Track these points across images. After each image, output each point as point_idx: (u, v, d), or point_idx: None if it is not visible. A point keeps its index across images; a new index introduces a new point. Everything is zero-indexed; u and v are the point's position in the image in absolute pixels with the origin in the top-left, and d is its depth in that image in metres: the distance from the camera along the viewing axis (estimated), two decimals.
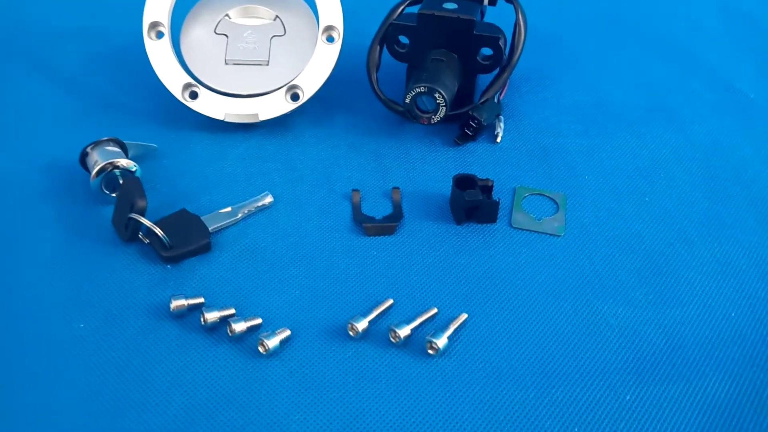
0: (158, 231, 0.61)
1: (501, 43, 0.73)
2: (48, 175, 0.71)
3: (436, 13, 0.72)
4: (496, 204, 0.65)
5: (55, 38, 0.92)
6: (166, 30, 0.75)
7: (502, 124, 0.78)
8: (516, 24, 0.75)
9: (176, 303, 0.57)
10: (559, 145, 0.76)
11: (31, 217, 0.67)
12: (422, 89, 0.71)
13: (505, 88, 0.79)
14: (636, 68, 0.88)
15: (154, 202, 0.66)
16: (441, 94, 0.71)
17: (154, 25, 0.75)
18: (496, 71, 0.75)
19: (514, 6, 0.75)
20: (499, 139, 0.76)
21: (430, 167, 0.73)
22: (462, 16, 0.72)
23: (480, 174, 0.69)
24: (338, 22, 0.75)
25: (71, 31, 0.93)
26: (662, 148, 0.76)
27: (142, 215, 0.61)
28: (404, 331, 0.55)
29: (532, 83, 0.85)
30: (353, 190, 0.70)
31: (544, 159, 0.74)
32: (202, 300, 0.58)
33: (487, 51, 0.74)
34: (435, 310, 0.58)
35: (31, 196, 0.69)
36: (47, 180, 0.71)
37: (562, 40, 0.93)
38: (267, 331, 0.55)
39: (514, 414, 0.52)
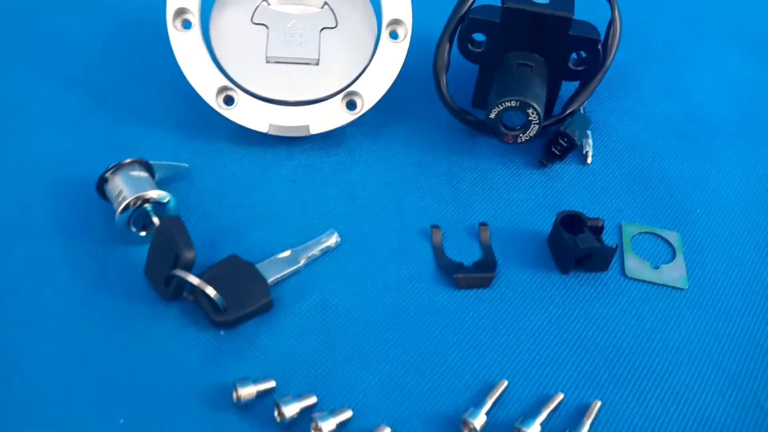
0: (211, 292, 0.48)
1: (600, 46, 0.62)
2: (52, 198, 0.57)
3: (526, 9, 0.60)
4: (613, 251, 0.55)
5: (44, 13, 0.76)
6: (195, 18, 0.61)
7: (590, 141, 0.67)
8: (611, 22, 0.63)
9: (244, 391, 0.45)
10: (658, 168, 0.65)
11: (35, 257, 0.53)
12: (514, 103, 0.59)
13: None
14: (721, 67, 0.77)
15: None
16: (535, 109, 0.59)
17: (180, 11, 0.60)
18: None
19: (610, 1, 0.64)
20: (589, 160, 0.65)
21: (516, 195, 0.62)
22: (557, 13, 0.60)
23: (573, 203, 0.58)
24: (406, 16, 0.62)
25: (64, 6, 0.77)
26: None
27: (189, 270, 0.48)
28: (534, 430, 0.45)
29: (613, 88, 0.73)
30: (432, 226, 0.58)
31: (644, 186, 0.63)
32: (273, 384, 0.46)
33: (579, 54, 0.63)
34: (561, 396, 0.48)
35: (32, 228, 0.55)
36: (51, 204, 0.57)
37: (633, 28, 0.80)
38: (362, 430, 0.44)
39: None
